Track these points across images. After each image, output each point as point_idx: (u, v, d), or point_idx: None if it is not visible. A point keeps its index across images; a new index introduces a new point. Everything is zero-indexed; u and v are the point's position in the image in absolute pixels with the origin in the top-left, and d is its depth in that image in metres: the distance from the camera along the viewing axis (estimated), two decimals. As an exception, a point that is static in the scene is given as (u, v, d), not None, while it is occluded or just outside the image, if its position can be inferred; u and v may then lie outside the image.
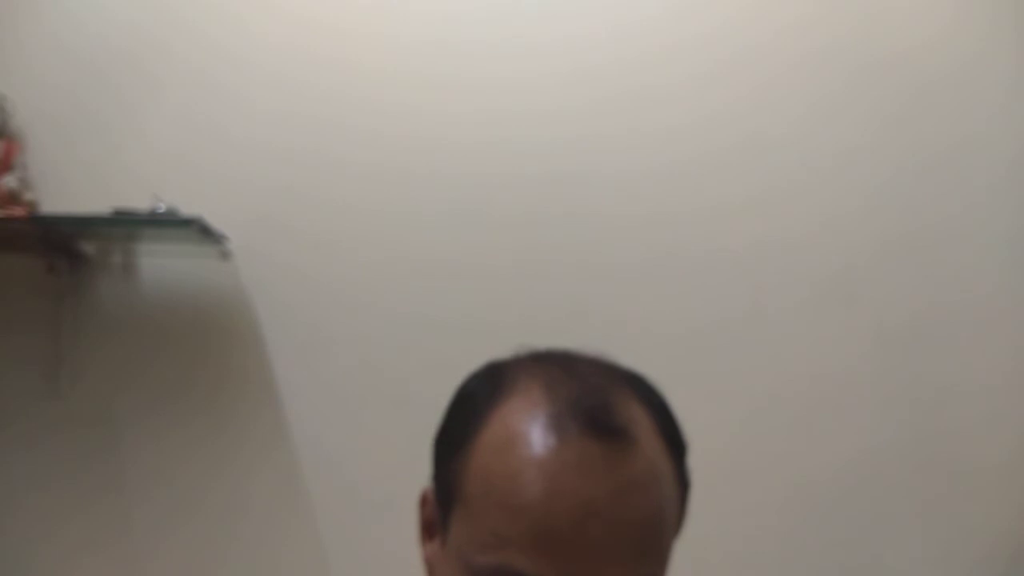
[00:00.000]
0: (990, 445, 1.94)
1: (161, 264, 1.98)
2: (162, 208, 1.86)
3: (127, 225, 1.89)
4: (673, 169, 2.01)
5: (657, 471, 0.68)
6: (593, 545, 0.64)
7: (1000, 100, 2.04)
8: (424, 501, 0.77)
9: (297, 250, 1.99)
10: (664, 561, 0.68)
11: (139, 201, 1.86)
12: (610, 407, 0.68)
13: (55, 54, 2.02)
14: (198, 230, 1.87)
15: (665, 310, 1.98)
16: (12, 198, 1.88)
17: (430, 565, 0.76)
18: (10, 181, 1.89)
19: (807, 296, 1.98)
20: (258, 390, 1.96)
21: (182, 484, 1.94)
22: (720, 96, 2.02)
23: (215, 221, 1.90)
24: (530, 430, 0.67)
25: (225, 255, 1.96)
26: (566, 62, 2.02)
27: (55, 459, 1.93)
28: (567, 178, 2.00)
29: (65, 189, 1.94)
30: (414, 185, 2.00)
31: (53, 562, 1.90)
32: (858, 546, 1.92)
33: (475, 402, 0.72)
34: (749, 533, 1.90)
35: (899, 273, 1.99)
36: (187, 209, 1.86)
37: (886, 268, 1.99)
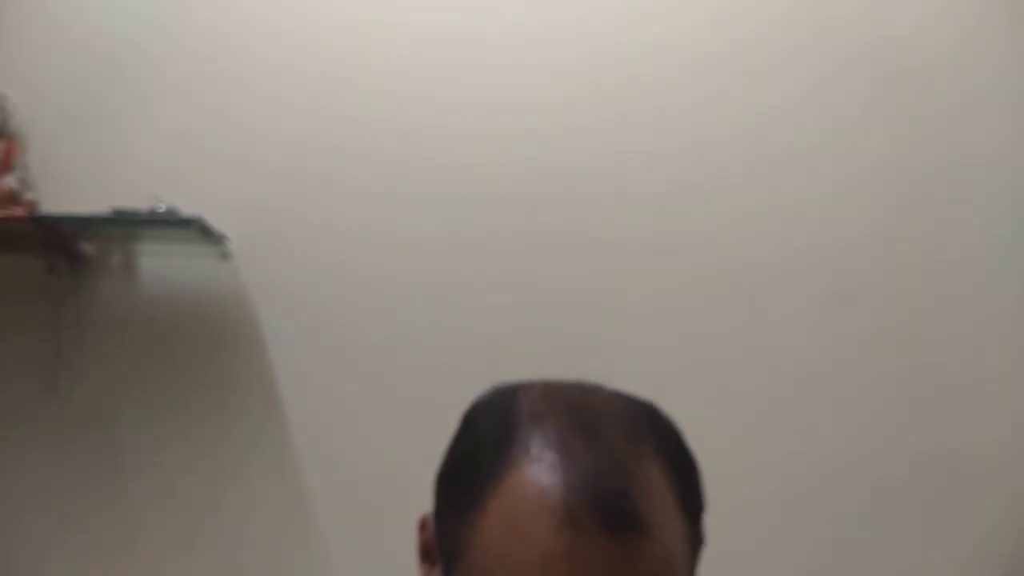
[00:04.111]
0: (990, 445, 1.93)
1: (161, 264, 1.98)
2: (162, 208, 1.86)
3: (127, 225, 1.89)
4: (679, 182, 2.01)
5: (671, 562, 0.66)
6: None
7: (1003, 102, 2.03)
8: (423, 526, 0.76)
9: (297, 250, 1.99)
10: None
11: (139, 201, 1.86)
12: (627, 491, 0.64)
13: (56, 55, 2.02)
14: (198, 230, 1.87)
15: (665, 308, 1.98)
16: (12, 198, 1.88)
17: None
18: (10, 181, 1.90)
19: (807, 296, 1.98)
20: (258, 390, 1.96)
21: (183, 483, 1.93)
22: (730, 106, 2.02)
23: (215, 221, 1.90)
24: (540, 518, 0.64)
25: (225, 255, 1.96)
26: (565, 52, 2.03)
27: (55, 459, 1.93)
28: (574, 167, 2.00)
29: (65, 189, 1.94)
30: (415, 192, 2.00)
31: (53, 564, 1.90)
32: (857, 547, 1.91)
33: (483, 456, 0.69)
34: (747, 533, 1.89)
35: (899, 273, 1.98)
36: (187, 209, 1.86)
37: (886, 267, 1.99)
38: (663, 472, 0.67)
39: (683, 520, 0.68)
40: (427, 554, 0.76)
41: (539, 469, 0.65)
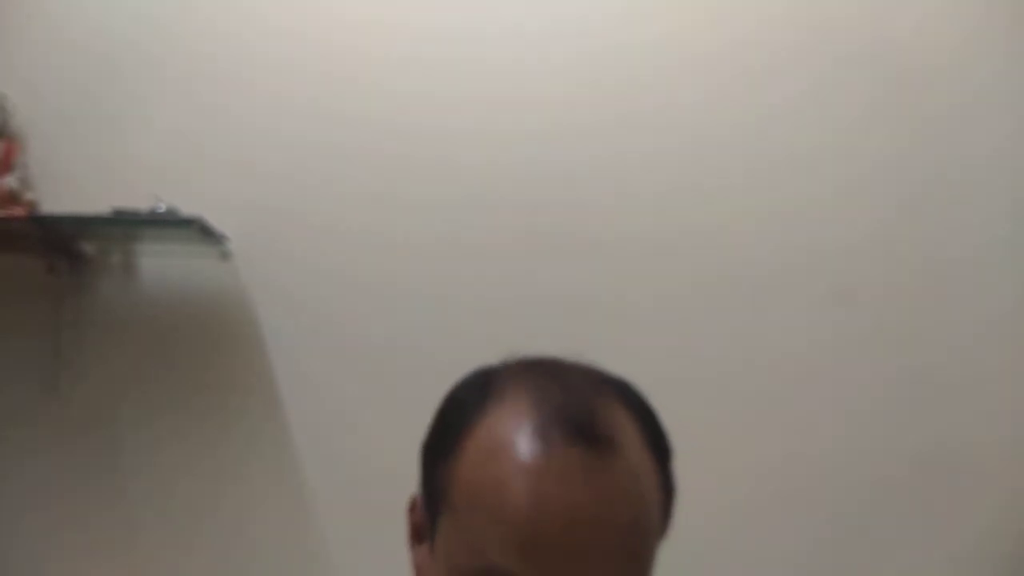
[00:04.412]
0: (990, 445, 1.93)
1: (161, 264, 1.98)
2: (162, 208, 1.86)
3: (127, 225, 1.89)
4: (679, 182, 2.01)
5: (640, 478, 0.70)
6: (578, 549, 0.66)
7: (1003, 102, 2.03)
8: (412, 506, 0.79)
9: (297, 250, 1.99)
10: (648, 565, 0.71)
11: (139, 201, 1.86)
12: (595, 415, 0.70)
13: (56, 55, 2.02)
14: (198, 230, 1.87)
15: (665, 308, 1.98)
16: (12, 198, 1.88)
17: (419, 569, 0.78)
18: (10, 181, 1.90)
19: (807, 296, 1.98)
20: (258, 390, 1.96)
21: (183, 483, 1.93)
22: (730, 106, 2.02)
23: (215, 221, 1.90)
24: (516, 439, 0.69)
25: (225, 255, 1.96)
26: (565, 52, 2.03)
27: (55, 459, 1.93)
28: (574, 167, 2.00)
29: (65, 189, 1.94)
30: (415, 192, 2.00)
31: (53, 564, 1.90)
32: (857, 547, 1.91)
33: (463, 409, 0.74)
34: (747, 533, 1.89)
35: (899, 273, 1.98)
36: (187, 209, 1.86)
37: (886, 267, 1.99)
38: (630, 418, 0.72)
39: (651, 456, 0.72)
40: (416, 534, 0.79)
41: (514, 408, 0.71)
